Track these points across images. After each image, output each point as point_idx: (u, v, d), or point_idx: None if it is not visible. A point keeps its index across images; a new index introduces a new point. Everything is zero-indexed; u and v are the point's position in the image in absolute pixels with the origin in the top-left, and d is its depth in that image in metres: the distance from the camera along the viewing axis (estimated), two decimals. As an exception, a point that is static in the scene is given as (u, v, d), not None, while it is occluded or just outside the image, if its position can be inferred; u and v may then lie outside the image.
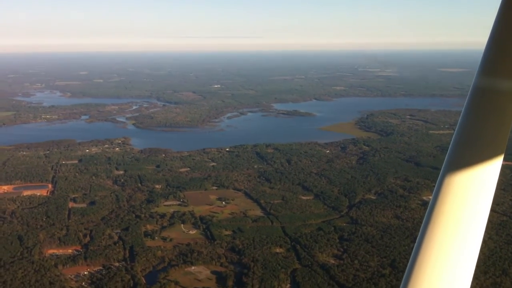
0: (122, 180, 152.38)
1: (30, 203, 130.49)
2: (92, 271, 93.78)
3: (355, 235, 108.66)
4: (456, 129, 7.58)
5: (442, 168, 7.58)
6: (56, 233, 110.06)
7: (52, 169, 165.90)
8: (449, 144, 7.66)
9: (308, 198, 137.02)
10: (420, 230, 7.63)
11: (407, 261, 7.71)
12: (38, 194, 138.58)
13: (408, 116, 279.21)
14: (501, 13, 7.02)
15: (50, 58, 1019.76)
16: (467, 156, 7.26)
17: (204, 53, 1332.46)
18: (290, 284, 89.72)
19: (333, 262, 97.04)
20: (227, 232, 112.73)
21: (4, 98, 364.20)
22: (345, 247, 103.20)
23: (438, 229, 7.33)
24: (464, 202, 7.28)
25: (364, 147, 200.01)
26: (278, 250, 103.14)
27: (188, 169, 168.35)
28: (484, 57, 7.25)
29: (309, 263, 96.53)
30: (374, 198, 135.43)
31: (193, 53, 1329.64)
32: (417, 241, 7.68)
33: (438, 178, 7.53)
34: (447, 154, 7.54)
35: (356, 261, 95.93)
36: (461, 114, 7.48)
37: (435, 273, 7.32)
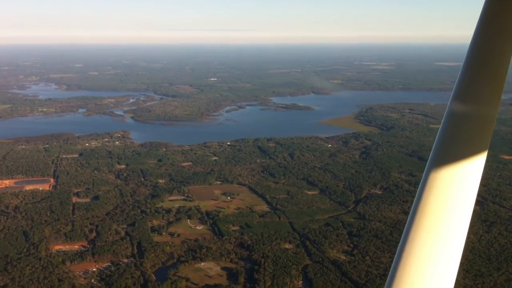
0: (125, 175, 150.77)
1: (33, 198, 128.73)
2: (101, 268, 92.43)
3: (364, 231, 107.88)
4: (440, 126, 7.64)
5: (426, 165, 7.65)
6: (61, 228, 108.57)
7: (52, 163, 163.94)
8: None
9: (313, 193, 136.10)
10: (405, 227, 7.65)
11: None
12: (41, 188, 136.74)
13: (408, 110, 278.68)
14: (484, 15, 7.25)
15: (43, 50, 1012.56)
16: (452, 153, 7.42)
17: (198, 46, 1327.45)
18: (302, 280, 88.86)
19: (344, 258, 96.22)
20: (234, 228, 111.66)
21: (0, 91, 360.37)
22: (355, 243, 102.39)
23: (423, 225, 7.39)
24: (449, 199, 7.38)
25: (366, 141, 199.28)
26: (287, 246, 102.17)
27: (191, 163, 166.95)
28: (468, 57, 7.42)
29: (320, 259, 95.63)
30: (380, 193, 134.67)
31: (187, 46, 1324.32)
32: (402, 238, 7.66)
33: (423, 175, 7.60)
34: (431, 151, 7.65)
35: (367, 257, 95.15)
36: (445, 112, 7.59)
37: (420, 269, 7.37)
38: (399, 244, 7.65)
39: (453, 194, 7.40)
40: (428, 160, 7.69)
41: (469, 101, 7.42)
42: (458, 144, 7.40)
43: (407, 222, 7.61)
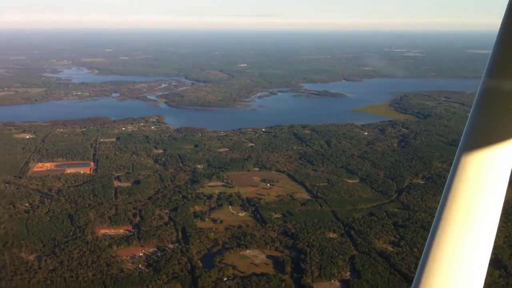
0: (163, 159, 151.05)
1: (75, 181, 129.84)
2: (147, 253, 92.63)
3: (410, 222, 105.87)
4: (470, 113, 7.33)
5: (457, 151, 7.38)
6: (105, 212, 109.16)
7: (91, 146, 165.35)
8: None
9: (353, 181, 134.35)
10: (436, 214, 7.41)
11: None
12: (82, 172, 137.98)
13: (443, 98, 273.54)
14: (509, 12, 6.82)
15: (72, 35, 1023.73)
16: (482, 139, 7.12)
17: (224, 31, 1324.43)
18: (350, 271, 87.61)
19: (391, 249, 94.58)
20: (276, 215, 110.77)
21: (34, 74, 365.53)
22: (401, 233, 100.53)
23: (454, 213, 7.19)
24: (480, 185, 7.13)
25: (403, 129, 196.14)
26: (331, 235, 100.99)
27: (227, 149, 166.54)
28: (498, 41, 6.99)
29: (367, 250, 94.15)
30: (423, 183, 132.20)
31: (214, 31, 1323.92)
32: (432, 225, 7.43)
33: (454, 161, 7.37)
34: (462, 137, 7.33)
35: (415, 249, 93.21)
36: (475, 97, 7.27)
37: (450, 262, 7.19)
38: (430, 232, 7.43)
39: (484, 181, 7.14)
40: (458, 146, 7.39)
41: (500, 87, 7.04)
42: (489, 130, 7.12)
43: (437, 209, 7.42)
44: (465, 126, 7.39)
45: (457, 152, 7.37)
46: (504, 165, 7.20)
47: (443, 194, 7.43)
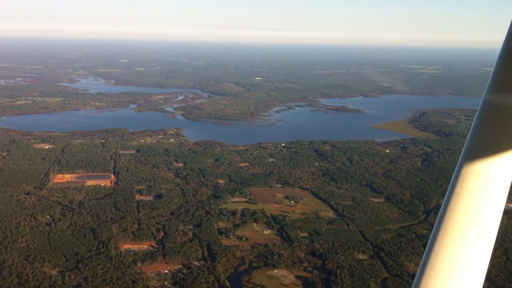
0: (184, 173, 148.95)
1: (96, 194, 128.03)
2: (173, 270, 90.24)
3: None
4: (473, 123, 7.33)
5: (458, 161, 7.38)
6: (128, 227, 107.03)
7: (111, 158, 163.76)
8: None
9: (379, 200, 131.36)
10: (436, 222, 7.42)
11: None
12: (103, 184, 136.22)
13: (463, 117, 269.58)
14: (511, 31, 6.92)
15: (86, 44, 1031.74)
16: (484, 150, 7.15)
17: (238, 44, 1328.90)
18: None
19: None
20: (303, 234, 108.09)
21: (51, 84, 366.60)
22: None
23: (453, 221, 7.20)
24: (479, 195, 7.14)
25: (426, 148, 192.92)
26: (361, 256, 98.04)
27: (248, 164, 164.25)
28: (502, 52, 6.97)
29: (398, 272, 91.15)
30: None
31: (227, 44, 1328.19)
32: (432, 233, 7.44)
33: (455, 171, 7.33)
34: (464, 147, 7.38)
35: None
36: (479, 107, 7.31)
37: (449, 267, 7.16)
38: (430, 238, 7.40)
39: (484, 190, 7.12)
40: (460, 156, 7.37)
41: (501, 100, 7.03)
42: (490, 140, 7.12)
43: (437, 218, 7.35)
44: (467, 137, 7.38)
45: (458, 161, 7.35)
46: (504, 175, 7.14)
47: (444, 201, 7.38)
